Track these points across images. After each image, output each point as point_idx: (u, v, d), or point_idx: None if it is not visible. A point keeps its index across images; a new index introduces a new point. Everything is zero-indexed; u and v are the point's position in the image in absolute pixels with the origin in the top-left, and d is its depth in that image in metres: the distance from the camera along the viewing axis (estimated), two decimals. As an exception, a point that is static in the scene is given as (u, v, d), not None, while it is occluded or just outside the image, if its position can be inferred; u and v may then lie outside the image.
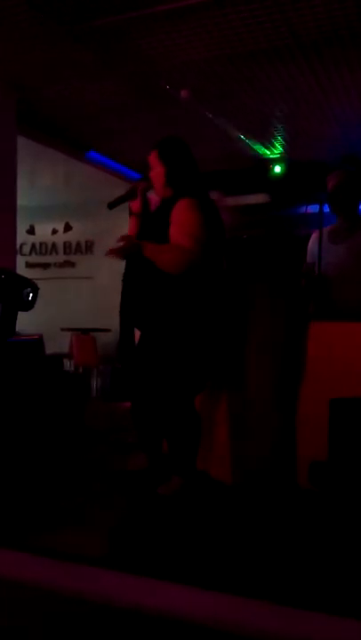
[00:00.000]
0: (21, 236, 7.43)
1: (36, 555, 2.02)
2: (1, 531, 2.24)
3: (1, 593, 1.81)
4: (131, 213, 2.75)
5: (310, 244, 3.37)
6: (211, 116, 5.41)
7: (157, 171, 2.67)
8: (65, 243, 8.13)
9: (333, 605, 1.68)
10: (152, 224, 2.68)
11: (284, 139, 6.03)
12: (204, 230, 2.51)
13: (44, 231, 8.20)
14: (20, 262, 7.39)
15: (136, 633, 1.63)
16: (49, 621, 1.69)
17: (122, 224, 3.45)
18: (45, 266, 8.16)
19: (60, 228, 8.14)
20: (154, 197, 2.78)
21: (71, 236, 8.10)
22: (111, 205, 2.72)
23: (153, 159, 2.69)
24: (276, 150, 6.33)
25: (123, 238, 2.60)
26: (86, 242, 7.97)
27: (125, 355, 2.80)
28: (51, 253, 8.20)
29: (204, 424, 3.09)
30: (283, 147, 6.25)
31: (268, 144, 6.17)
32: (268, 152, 6.36)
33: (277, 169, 6.53)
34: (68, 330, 6.91)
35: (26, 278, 3.50)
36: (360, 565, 1.96)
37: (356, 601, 1.72)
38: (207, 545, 2.19)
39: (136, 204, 2.71)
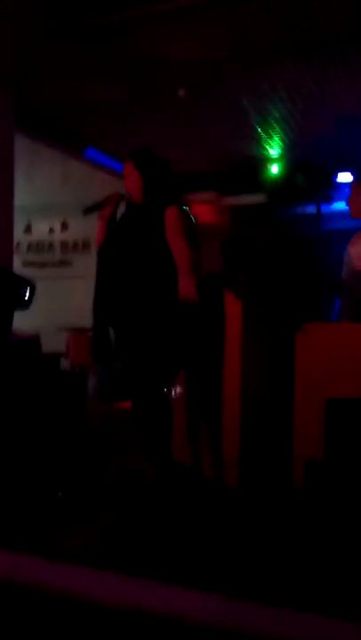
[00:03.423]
0: (18, 234, 7.40)
1: (34, 555, 2.02)
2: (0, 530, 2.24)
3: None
4: (100, 218, 2.95)
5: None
6: (206, 112, 5.39)
7: (134, 180, 2.85)
8: (62, 242, 8.11)
9: (329, 606, 1.68)
10: (130, 227, 2.87)
11: (281, 138, 6.04)
12: (191, 235, 2.77)
13: (40, 230, 8.18)
14: (17, 261, 7.36)
15: (133, 633, 1.63)
16: (46, 622, 1.69)
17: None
18: (42, 265, 8.13)
19: (57, 227, 8.12)
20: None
21: (68, 236, 8.07)
22: (87, 211, 2.95)
23: (129, 169, 2.88)
24: (274, 150, 6.34)
25: None
26: (83, 241, 7.95)
27: (100, 353, 2.95)
28: (47, 252, 8.18)
29: (200, 426, 3.09)
30: (280, 146, 6.25)
31: (265, 144, 6.18)
32: (266, 152, 6.36)
33: (275, 169, 6.52)
34: (65, 329, 6.89)
35: (23, 277, 3.49)
36: (356, 565, 1.96)
37: (354, 603, 1.72)
38: (205, 545, 2.19)
39: (107, 210, 2.91)
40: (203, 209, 7.07)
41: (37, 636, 1.62)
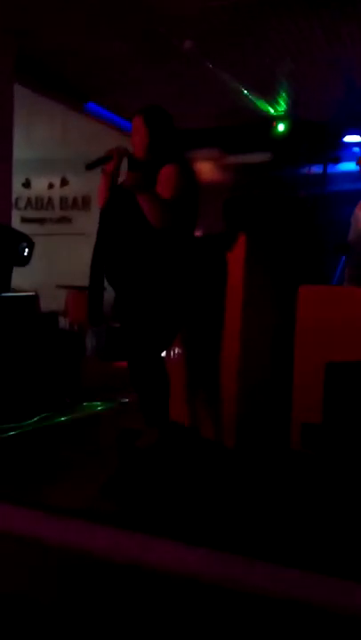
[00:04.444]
0: (17, 189, 7.29)
1: (32, 509, 2.04)
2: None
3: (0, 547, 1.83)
4: (103, 174, 2.87)
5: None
6: (211, 66, 5.24)
7: (141, 135, 2.78)
8: (61, 198, 7.99)
9: (321, 564, 1.70)
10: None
11: (288, 95, 5.87)
12: (184, 195, 2.68)
13: (40, 185, 8.05)
14: (16, 217, 7.27)
15: (130, 587, 1.66)
16: (46, 575, 1.72)
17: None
18: (41, 221, 8.04)
19: (57, 182, 8.00)
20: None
21: (68, 191, 7.96)
22: (89, 166, 2.85)
23: (137, 124, 2.80)
24: (280, 108, 6.17)
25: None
26: (83, 197, 7.83)
27: (95, 315, 2.91)
28: (47, 208, 8.07)
29: (198, 387, 3.09)
30: (287, 104, 6.09)
31: (272, 101, 6.01)
32: (272, 109, 6.19)
33: (281, 127, 6.37)
34: (64, 287, 6.85)
35: (22, 233, 3.44)
36: (351, 526, 1.99)
37: (347, 562, 1.74)
38: (200, 503, 2.21)
39: (110, 165, 2.84)
40: (205, 167, 6.95)
41: (36, 585, 1.65)
